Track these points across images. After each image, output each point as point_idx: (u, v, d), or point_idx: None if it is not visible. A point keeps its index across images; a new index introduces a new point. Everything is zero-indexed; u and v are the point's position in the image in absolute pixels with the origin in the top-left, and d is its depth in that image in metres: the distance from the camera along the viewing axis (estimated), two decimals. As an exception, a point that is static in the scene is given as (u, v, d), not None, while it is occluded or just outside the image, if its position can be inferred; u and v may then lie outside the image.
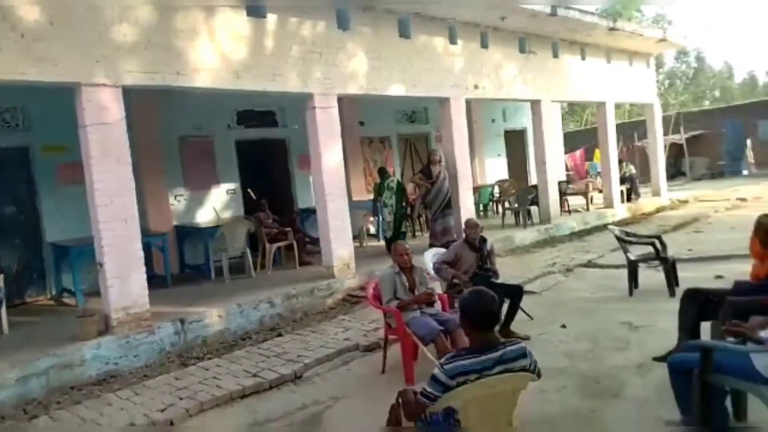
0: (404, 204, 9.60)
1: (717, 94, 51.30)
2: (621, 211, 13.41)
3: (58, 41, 5.44)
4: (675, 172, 23.35)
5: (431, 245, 9.04)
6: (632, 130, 22.91)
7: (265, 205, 9.10)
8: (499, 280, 5.84)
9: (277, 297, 6.88)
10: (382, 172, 9.94)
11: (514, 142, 16.84)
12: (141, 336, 5.68)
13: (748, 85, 55.28)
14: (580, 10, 12.11)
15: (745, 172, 22.57)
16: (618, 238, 6.90)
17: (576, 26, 11.60)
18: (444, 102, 9.75)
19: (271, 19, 7.26)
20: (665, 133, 18.95)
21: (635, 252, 6.86)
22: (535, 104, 11.91)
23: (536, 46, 11.56)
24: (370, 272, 8.00)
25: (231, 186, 10.11)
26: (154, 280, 7.83)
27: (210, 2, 6.65)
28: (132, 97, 6.78)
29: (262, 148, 10.55)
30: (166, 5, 6.25)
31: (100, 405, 4.61)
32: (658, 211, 14.09)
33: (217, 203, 9.77)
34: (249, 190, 9.77)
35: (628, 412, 3.79)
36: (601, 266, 8.29)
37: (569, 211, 13.06)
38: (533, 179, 16.29)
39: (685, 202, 15.27)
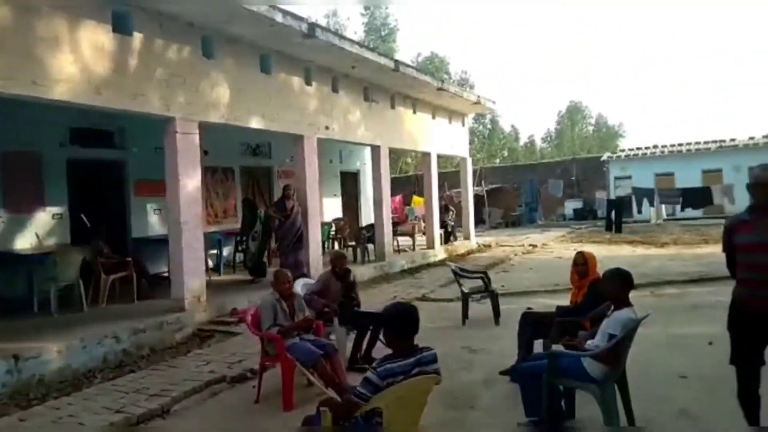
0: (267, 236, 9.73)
1: (506, 153, 59.55)
2: (440, 252, 14.95)
3: None
4: (476, 220, 26.56)
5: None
6: (441, 180, 25.52)
7: (103, 232, 8.43)
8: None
9: (123, 332, 6.44)
10: (249, 203, 9.96)
11: (348, 183, 17.83)
12: (-36, 375, 4.94)
13: (529, 148, 65.58)
14: (416, 69, 13.64)
15: (540, 221, 26.55)
16: (455, 272, 7.89)
17: (412, 83, 12.97)
18: (298, 139, 10.14)
19: (138, 37, 7.06)
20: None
21: (467, 286, 7.89)
22: (375, 149, 12.92)
23: (378, 96, 12.64)
24: (220, 304, 7.90)
25: (58, 210, 9.15)
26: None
27: (75, 12, 6.27)
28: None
29: (96, 170, 9.78)
30: (27, 7, 5.75)
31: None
32: (469, 253, 15.94)
33: (41, 228, 8.75)
34: (82, 215, 8.93)
35: (485, 419, 4.46)
36: (435, 300, 9.26)
37: (399, 250, 14.17)
38: (364, 219, 17.44)
39: (489, 246, 17.51)
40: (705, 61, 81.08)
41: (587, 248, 15.88)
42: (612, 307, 3.91)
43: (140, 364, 6.04)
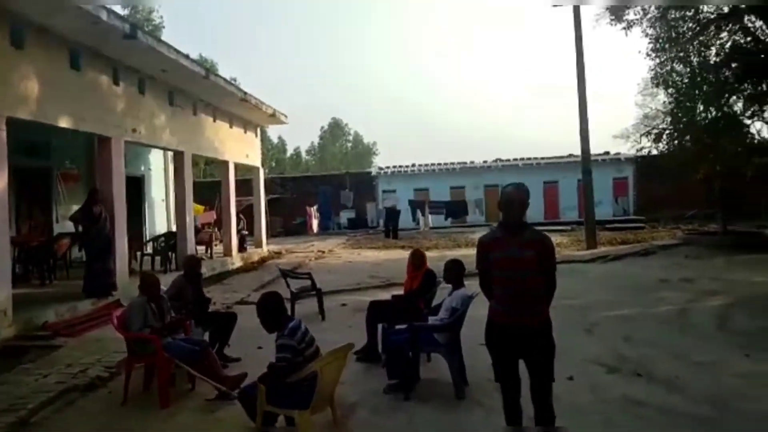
0: None
1: (274, 164, 60.83)
2: (237, 259, 15.17)
3: None
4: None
5: (86, 289, 8.65)
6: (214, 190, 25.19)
7: None
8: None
9: None
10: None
11: (131, 188, 16.66)
12: None
13: (296, 160, 68.10)
14: (225, 80, 13.78)
15: (333, 230, 28.08)
16: (283, 273, 8.54)
17: (217, 91, 13.08)
18: (105, 141, 9.58)
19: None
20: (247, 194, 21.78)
21: (293, 286, 8.59)
22: (179, 154, 12.68)
23: (181, 101, 12.46)
24: (28, 319, 7.20)
25: None
26: None
27: None
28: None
29: None
30: None
31: None
32: (263, 260, 16.43)
33: None
34: None
35: (353, 389, 5.29)
36: (254, 303, 9.66)
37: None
38: (149, 227, 16.57)
39: (280, 253, 18.28)
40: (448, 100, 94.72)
41: (367, 253, 17.95)
42: (451, 287, 5.17)
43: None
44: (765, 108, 13.99)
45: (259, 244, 17.96)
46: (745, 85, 13.32)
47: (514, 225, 3.50)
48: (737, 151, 13.95)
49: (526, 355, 3.53)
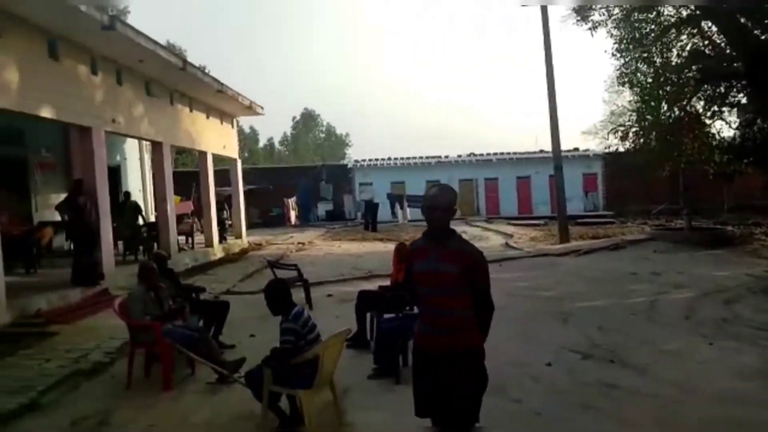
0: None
1: (247, 154, 60.34)
2: (219, 250, 15.25)
3: None
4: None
5: (75, 279, 8.71)
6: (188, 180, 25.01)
7: None
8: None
9: None
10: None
11: (108, 178, 16.52)
12: None
13: (269, 150, 67.61)
14: (202, 71, 13.79)
15: (313, 221, 28.12)
16: (270, 264, 8.74)
17: (194, 82, 13.11)
18: (85, 131, 9.60)
19: None
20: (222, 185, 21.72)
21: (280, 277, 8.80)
22: (157, 145, 12.70)
23: (158, 92, 12.46)
24: (21, 306, 7.27)
25: None
26: None
27: None
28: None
29: None
30: None
31: None
32: (244, 251, 16.53)
33: None
34: None
35: (345, 374, 5.54)
36: (240, 293, 9.87)
37: (180, 249, 14.03)
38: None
39: (260, 244, 18.37)
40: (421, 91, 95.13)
41: (347, 245, 18.20)
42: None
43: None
44: (724, 109, 14.66)
45: (239, 235, 18.05)
46: (705, 86, 13.95)
47: (436, 233, 2.97)
48: (699, 150, 14.61)
49: (440, 389, 2.92)
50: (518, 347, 6.24)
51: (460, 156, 31.06)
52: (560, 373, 5.41)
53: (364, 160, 31.30)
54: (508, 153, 30.63)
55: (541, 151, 28.79)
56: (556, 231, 17.92)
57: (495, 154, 30.77)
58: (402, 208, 26.10)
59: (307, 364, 3.98)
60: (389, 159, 31.03)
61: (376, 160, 31.15)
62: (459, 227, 22.96)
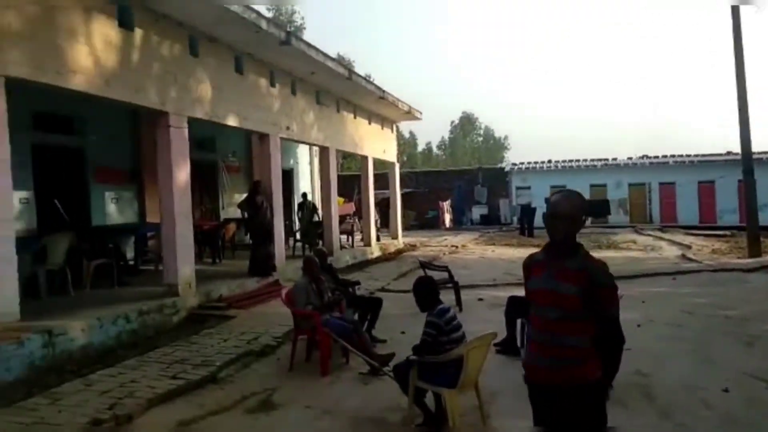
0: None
1: (405, 158, 62.05)
2: (376, 250, 15.97)
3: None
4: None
5: (252, 269, 9.76)
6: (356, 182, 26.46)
7: (85, 219, 8.47)
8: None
9: (132, 313, 6.77)
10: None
11: (282, 181, 18.22)
12: (11, 348, 5.16)
13: (427, 155, 68.85)
14: (365, 79, 14.59)
15: (467, 224, 28.31)
16: (423, 264, 8.96)
17: (358, 90, 13.90)
18: (264, 138, 10.69)
19: (138, 33, 7.35)
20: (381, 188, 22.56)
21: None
22: (324, 150, 13.69)
23: (326, 100, 13.42)
24: (207, 292, 8.33)
25: (25, 195, 8.96)
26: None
27: (88, 5, 6.52)
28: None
29: (58, 156, 9.65)
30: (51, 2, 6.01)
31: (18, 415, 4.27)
32: (399, 252, 17.11)
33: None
34: (56, 201, 8.82)
35: (494, 378, 5.49)
36: (394, 291, 10.23)
37: (342, 247, 14.99)
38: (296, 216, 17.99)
39: (415, 246, 18.84)
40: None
41: (501, 250, 17.87)
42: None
43: (157, 342, 6.43)
44: None
45: (395, 236, 18.70)
46: None
47: (557, 246, 2.59)
48: None
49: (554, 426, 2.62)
50: (691, 368, 5.64)
51: (630, 158, 28.72)
52: (738, 402, 4.77)
53: (522, 163, 30.41)
54: (688, 155, 27.60)
55: (729, 153, 25.49)
56: (744, 243, 15.73)
57: (672, 156, 27.94)
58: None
59: (451, 364, 4.03)
60: (549, 162, 29.78)
61: (536, 163, 30.09)
62: (628, 236, 21.42)
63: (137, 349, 6.20)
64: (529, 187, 28.14)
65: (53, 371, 5.38)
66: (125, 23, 7.11)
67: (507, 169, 30.37)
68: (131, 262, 9.99)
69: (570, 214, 2.58)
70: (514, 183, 29.25)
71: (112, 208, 10.96)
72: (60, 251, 7.57)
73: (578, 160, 29.28)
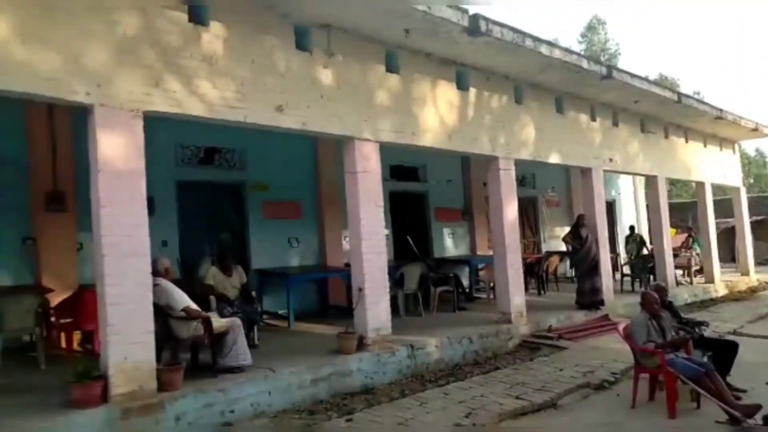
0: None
1: (751, 180, 51.97)
2: (721, 287, 13.92)
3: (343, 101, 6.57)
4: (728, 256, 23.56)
5: (578, 303, 9.79)
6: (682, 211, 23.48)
7: (428, 252, 9.94)
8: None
9: (474, 335, 7.60)
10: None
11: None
12: (387, 355, 6.44)
13: (788, 174, 56.07)
14: (698, 100, 13.28)
15: None
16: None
17: (689, 112, 12.66)
18: (586, 172, 10.71)
19: (472, 92, 8.40)
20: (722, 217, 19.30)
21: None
22: (651, 179, 12.85)
23: (652, 126, 12.59)
24: (536, 321, 8.71)
25: (386, 231, 10.99)
26: (332, 310, 8.78)
27: (435, 75, 7.81)
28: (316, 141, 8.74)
29: (405, 199, 11.57)
30: (410, 77, 7.40)
31: (398, 410, 5.32)
32: (753, 290, 14.55)
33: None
34: (408, 238, 10.59)
35: None
36: (749, 335, 8.80)
37: (678, 283, 13.60)
38: (621, 250, 17.06)
39: (772, 284, 15.73)
40: None
41: None
42: None
43: (496, 364, 7.07)
44: None
45: (744, 272, 16.07)
46: None
47: None
48: None
49: None
50: None
51: None
52: None
53: None
54: None
55: None
56: None
57: None
58: None
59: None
60: None
61: None
62: None
63: (480, 368, 6.92)
64: None
65: (416, 378, 6.47)
66: (462, 85, 8.24)
67: None
68: (467, 290, 11.11)
69: None
70: None
71: (449, 243, 12.48)
72: (414, 278, 9.03)
73: None
